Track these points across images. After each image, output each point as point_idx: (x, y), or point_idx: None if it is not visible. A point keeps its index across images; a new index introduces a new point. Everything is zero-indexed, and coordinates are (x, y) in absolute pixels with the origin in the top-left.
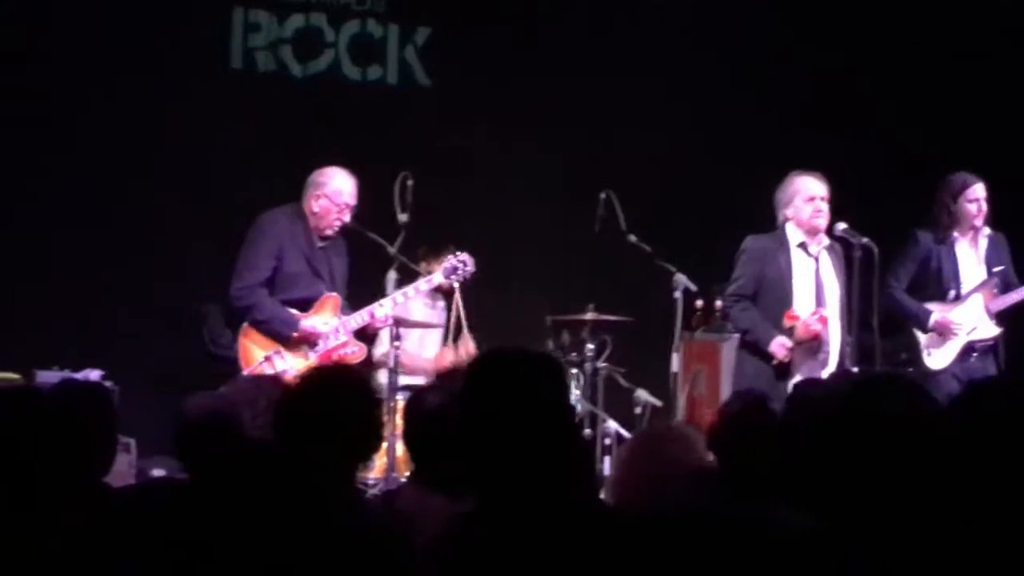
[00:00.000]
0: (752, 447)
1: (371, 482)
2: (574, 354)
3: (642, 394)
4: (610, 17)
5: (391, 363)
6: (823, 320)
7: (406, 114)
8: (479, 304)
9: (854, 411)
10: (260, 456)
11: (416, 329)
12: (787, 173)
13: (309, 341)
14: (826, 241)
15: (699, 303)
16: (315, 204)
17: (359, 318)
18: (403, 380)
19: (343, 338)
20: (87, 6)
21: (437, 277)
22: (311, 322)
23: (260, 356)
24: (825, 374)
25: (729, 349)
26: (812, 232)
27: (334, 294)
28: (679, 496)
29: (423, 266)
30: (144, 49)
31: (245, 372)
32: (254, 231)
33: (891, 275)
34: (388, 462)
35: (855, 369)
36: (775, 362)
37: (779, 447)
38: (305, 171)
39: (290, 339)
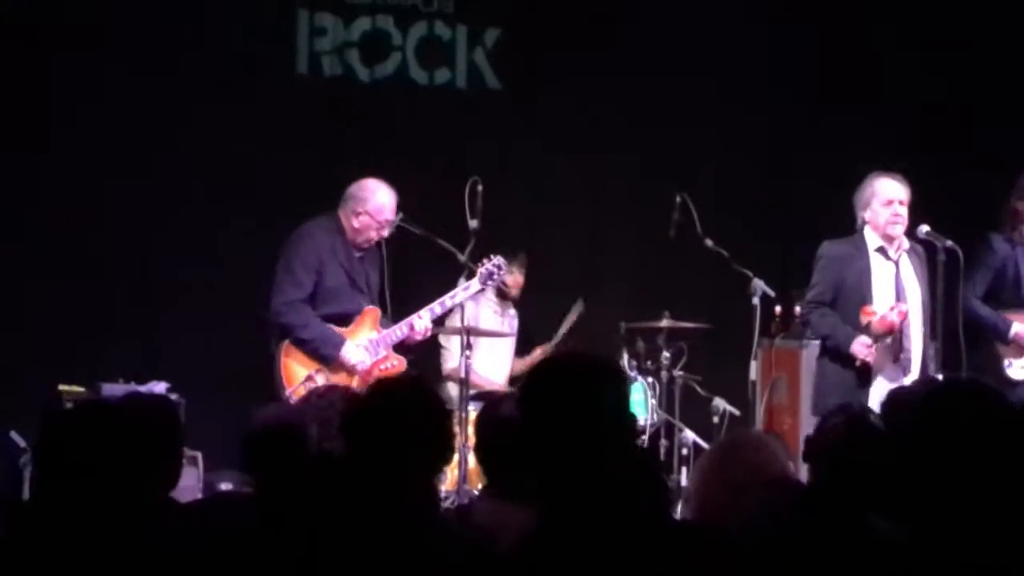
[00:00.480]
0: (856, 461)
1: (443, 495)
2: (649, 362)
3: (720, 403)
4: (685, 16)
5: (462, 373)
6: (902, 314)
7: (476, 118)
8: (553, 312)
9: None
10: (331, 470)
11: (486, 338)
12: (865, 174)
13: (348, 367)
14: (907, 244)
15: (778, 309)
16: (355, 220)
17: (398, 331)
18: (474, 391)
19: (383, 352)
20: (151, 12)
21: (474, 285)
22: (350, 347)
23: (302, 374)
24: (907, 380)
25: (809, 356)
26: (889, 238)
27: (374, 307)
28: (760, 507)
29: None
30: (209, 54)
31: (288, 391)
32: (294, 244)
33: (966, 283)
34: (460, 474)
35: (940, 376)
36: (858, 363)
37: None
38: (373, 175)
39: (334, 362)
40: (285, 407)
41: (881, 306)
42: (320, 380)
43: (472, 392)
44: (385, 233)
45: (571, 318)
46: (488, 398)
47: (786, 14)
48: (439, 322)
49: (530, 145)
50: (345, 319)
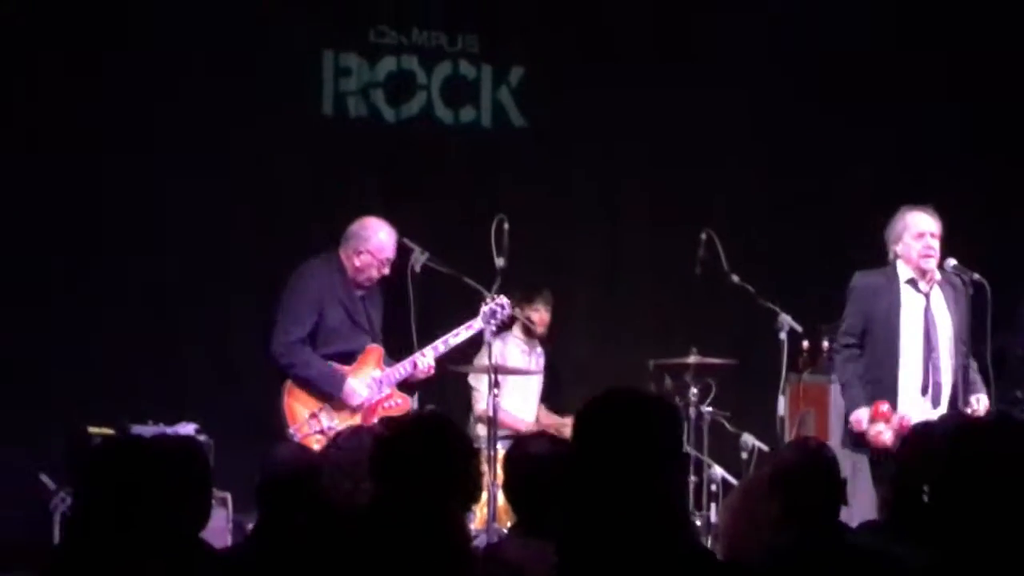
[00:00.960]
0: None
1: (472, 533)
2: (677, 398)
3: (748, 439)
4: (711, 51)
5: (490, 412)
6: (904, 429)
7: (501, 156)
8: (580, 350)
9: (960, 455)
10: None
11: (514, 377)
12: (894, 208)
13: (352, 403)
14: (939, 276)
15: (805, 344)
16: (357, 259)
17: (402, 369)
18: (503, 432)
19: (387, 390)
20: (178, 50)
21: (477, 323)
22: (353, 383)
23: (305, 413)
24: (937, 414)
25: (837, 391)
26: (921, 271)
27: (377, 346)
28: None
29: (518, 311)
30: (234, 96)
31: (291, 429)
32: (294, 284)
33: None
34: (489, 513)
35: (969, 410)
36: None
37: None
38: (400, 216)
39: (338, 397)
40: (299, 448)
41: (910, 346)
42: (323, 418)
43: (501, 433)
44: (386, 271)
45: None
46: (517, 436)
47: (815, 44)
48: (451, 358)
49: (555, 183)
50: (348, 357)
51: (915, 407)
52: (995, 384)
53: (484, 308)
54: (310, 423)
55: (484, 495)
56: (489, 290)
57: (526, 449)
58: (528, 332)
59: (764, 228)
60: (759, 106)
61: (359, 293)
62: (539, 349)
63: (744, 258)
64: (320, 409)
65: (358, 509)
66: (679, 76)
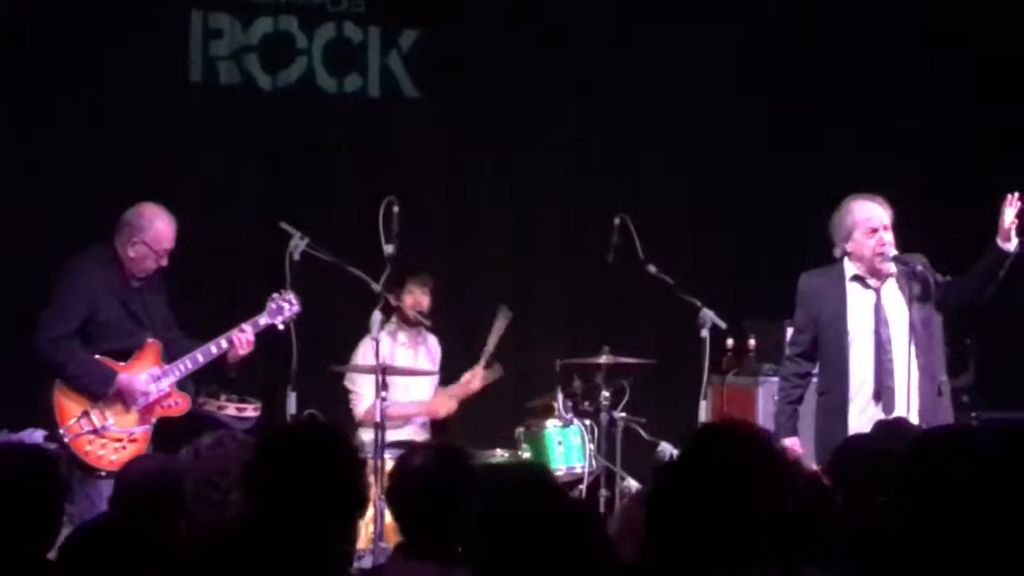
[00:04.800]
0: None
1: (357, 554)
2: (587, 403)
3: (666, 448)
4: (627, 16)
5: (377, 416)
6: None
7: (390, 130)
8: (477, 348)
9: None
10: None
11: (400, 378)
12: (832, 191)
13: (129, 399)
14: (892, 268)
15: (730, 342)
16: (131, 250)
17: (182, 367)
18: (391, 436)
19: (165, 388)
20: (24, 12)
21: (263, 319)
22: (130, 376)
23: (77, 411)
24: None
25: (765, 394)
26: (875, 271)
27: (154, 341)
28: None
29: (392, 299)
30: (89, 63)
31: (61, 430)
32: (61, 278)
33: None
34: (375, 530)
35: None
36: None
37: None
38: (276, 196)
39: (110, 396)
40: (162, 460)
41: (860, 349)
42: (95, 417)
43: (390, 439)
44: (164, 263)
45: (498, 328)
46: (405, 446)
47: (746, 20)
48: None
49: (452, 161)
50: (124, 354)
51: (866, 417)
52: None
53: (270, 304)
54: (81, 422)
55: (371, 510)
56: (377, 280)
57: (412, 463)
58: (407, 321)
59: (684, 213)
60: (683, 72)
61: (136, 284)
62: (426, 339)
63: (662, 246)
64: (92, 407)
65: (229, 524)
66: (594, 40)
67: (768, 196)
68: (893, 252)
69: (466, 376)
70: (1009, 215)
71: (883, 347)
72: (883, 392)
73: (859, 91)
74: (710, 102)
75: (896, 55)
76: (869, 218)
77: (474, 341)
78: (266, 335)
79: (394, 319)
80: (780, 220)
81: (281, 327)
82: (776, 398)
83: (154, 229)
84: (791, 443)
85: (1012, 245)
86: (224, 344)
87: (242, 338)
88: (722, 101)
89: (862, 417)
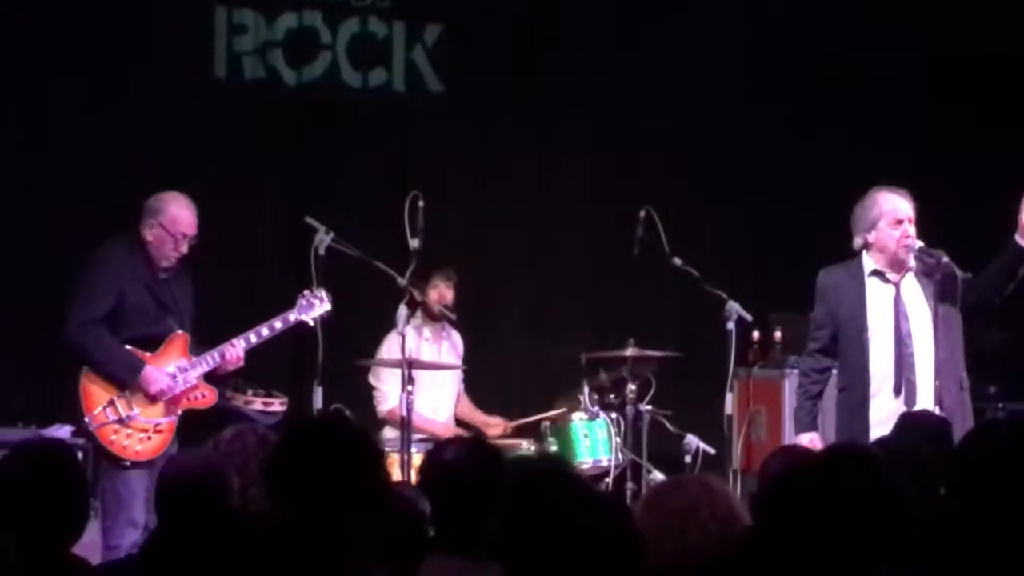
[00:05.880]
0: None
1: None
2: (613, 396)
3: (692, 440)
4: (649, 13)
5: (403, 411)
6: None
7: (415, 125)
8: (505, 341)
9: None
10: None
11: (426, 372)
12: (855, 186)
13: (152, 392)
14: (912, 263)
15: (755, 335)
16: (149, 233)
17: (209, 359)
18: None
19: (192, 381)
20: (52, 8)
21: (293, 315)
22: (156, 369)
23: (104, 399)
24: None
25: (791, 386)
26: (898, 264)
27: (182, 332)
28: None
29: (417, 294)
30: (116, 59)
31: (87, 418)
32: (89, 265)
33: None
34: None
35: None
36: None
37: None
38: (301, 191)
39: (136, 385)
40: (203, 454)
41: (880, 347)
42: (121, 407)
43: (415, 436)
44: (183, 249)
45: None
46: (433, 441)
47: (765, 24)
48: (360, 352)
49: (477, 155)
50: (151, 343)
51: (888, 411)
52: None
53: (301, 300)
54: (107, 411)
55: None
56: (402, 275)
57: (442, 457)
58: (431, 316)
59: (710, 207)
60: (705, 69)
61: (164, 276)
62: (450, 333)
63: (688, 239)
64: (118, 396)
65: (252, 518)
66: (617, 35)
67: (795, 188)
68: (919, 244)
69: (493, 420)
70: None
71: (903, 341)
72: (904, 386)
73: (888, 81)
74: (735, 95)
75: (924, 46)
76: (895, 209)
77: (495, 341)
78: (293, 330)
79: (419, 314)
80: (806, 212)
81: (311, 323)
82: (796, 394)
83: (169, 212)
84: (809, 439)
85: None
86: (253, 339)
87: (231, 354)
88: (748, 94)
89: (883, 413)
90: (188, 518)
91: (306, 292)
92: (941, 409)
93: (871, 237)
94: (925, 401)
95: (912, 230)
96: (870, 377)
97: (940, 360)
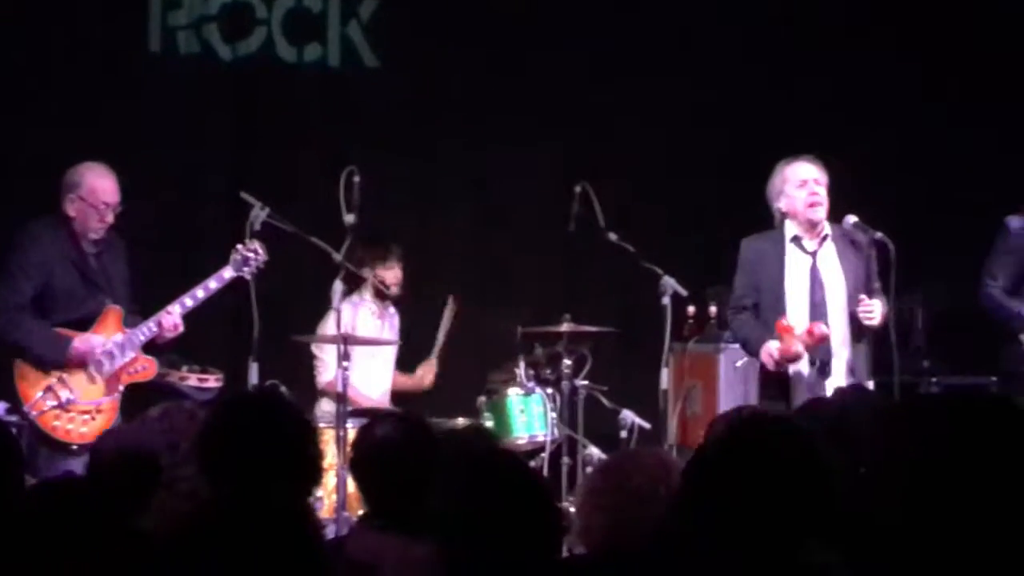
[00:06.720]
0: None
1: (321, 523)
2: (549, 371)
3: (628, 415)
4: None
5: (339, 386)
6: (815, 338)
7: (351, 100)
8: (441, 316)
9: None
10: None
11: (365, 347)
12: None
13: (89, 362)
14: (827, 230)
15: (691, 309)
16: (71, 208)
17: (146, 330)
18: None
19: (130, 354)
20: None
21: (228, 272)
22: (84, 336)
23: (41, 386)
24: (829, 385)
25: (727, 361)
26: (810, 224)
27: (115, 307)
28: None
29: (368, 272)
30: (47, 33)
31: (25, 407)
32: (13, 248)
33: (985, 272)
34: (338, 500)
35: (870, 383)
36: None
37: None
38: (236, 166)
39: (68, 364)
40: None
41: (796, 313)
42: (59, 391)
43: (350, 409)
44: (109, 219)
45: (445, 321)
46: (370, 416)
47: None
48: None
49: (413, 130)
50: (85, 323)
51: (803, 381)
52: (899, 352)
53: (235, 255)
54: (46, 398)
55: (333, 480)
56: (338, 250)
57: (373, 433)
58: (380, 295)
59: (646, 182)
60: (644, 42)
61: (92, 250)
62: (392, 310)
63: (623, 215)
64: (57, 380)
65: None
66: (558, 12)
67: (730, 162)
68: (853, 219)
69: (420, 371)
70: None
71: (818, 311)
72: (818, 356)
73: (824, 49)
74: (670, 71)
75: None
76: (796, 171)
77: (430, 317)
78: (229, 305)
79: (364, 290)
80: (742, 187)
81: (249, 278)
82: (740, 333)
83: (88, 183)
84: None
85: None
86: (188, 303)
87: (168, 320)
88: (681, 69)
89: (799, 382)
90: (119, 491)
91: (239, 246)
92: (850, 379)
93: (783, 205)
94: (838, 371)
95: (821, 191)
96: None
97: (852, 331)
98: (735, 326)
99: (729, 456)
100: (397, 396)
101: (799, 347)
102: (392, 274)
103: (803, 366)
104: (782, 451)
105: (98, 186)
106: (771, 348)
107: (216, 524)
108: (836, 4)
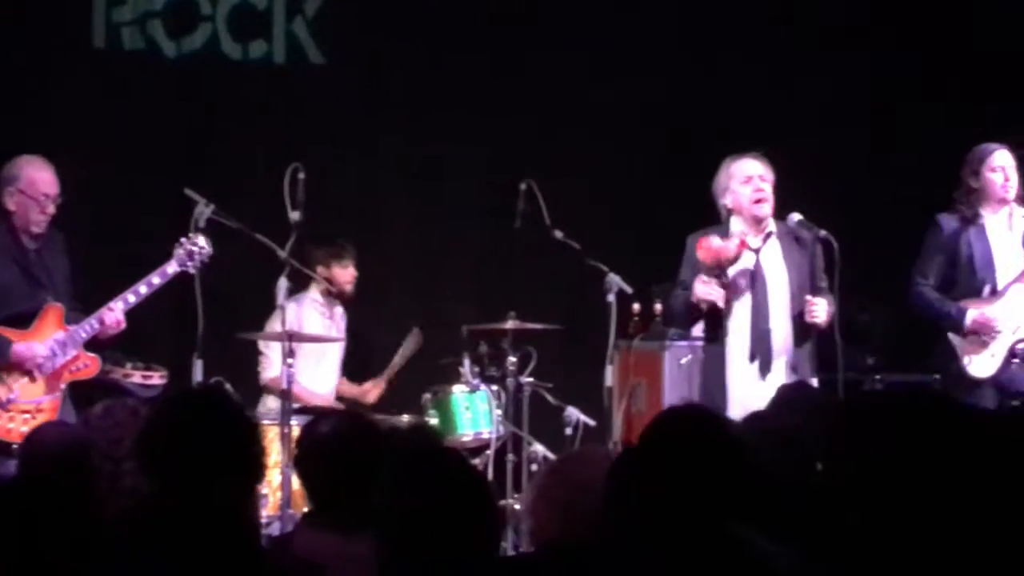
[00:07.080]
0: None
1: (265, 520)
2: (494, 368)
3: (573, 412)
4: None
5: (284, 383)
6: (741, 245)
7: (296, 97)
8: (385, 315)
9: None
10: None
11: (311, 345)
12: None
13: (29, 367)
14: (772, 227)
15: (636, 307)
16: (10, 202)
17: (87, 327)
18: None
19: (72, 352)
20: None
21: (172, 267)
22: (27, 343)
23: None
24: (767, 382)
25: (671, 359)
26: (755, 220)
27: (56, 304)
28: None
29: (320, 271)
30: None
31: None
32: None
33: (916, 270)
34: (283, 497)
35: (814, 380)
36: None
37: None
38: (181, 163)
39: (7, 366)
40: (68, 428)
41: (739, 313)
42: (1, 391)
43: (296, 407)
44: (50, 210)
45: (404, 350)
46: (313, 413)
47: None
48: (240, 325)
49: (359, 128)
50: (25, 319)
51: (743, 378)
52: (843, 349)
53: (179, 250)
54: None
55: (278, 477)
56: (283, 247)
57: (318, 431)
58: (328, 293)
59: (591, 179)
60: (591, 38)
61: (33, 245)
62: (340, 311)
63: (568, 212)
64: None
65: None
66: (503, 8)
67: (676, 159)
68: (797, 216)
69: (368, 385)
70: None
71: (758, 309)
72: (759, 354)
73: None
74: (615, 68)
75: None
76: (741, 167)
77: (377, 315)
78: (174, 302)
79: (314, 288)
80: (689, 185)
81: (193, 272)
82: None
83: (26, 175)
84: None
85: None
86: (131, 299)
87: (110, 317)
88: (628, 68)
89: (739, 378)
90: (48, 489)
91: (183, 240)
92: (792, 377)
93: (728, 201)
94: (778, 368)
95: (766, 187)
96: (726, 344)
97: (794, 329)
98: (670, 302)
99: (648, 446)
100: (343, 400)
101: (726, 246)
102: (347, 273)
103: (743, 364)
104: (696, 437)
105: (37, 178)
106: (702, 277)
107: (157, 520)
108: (836, 4)
